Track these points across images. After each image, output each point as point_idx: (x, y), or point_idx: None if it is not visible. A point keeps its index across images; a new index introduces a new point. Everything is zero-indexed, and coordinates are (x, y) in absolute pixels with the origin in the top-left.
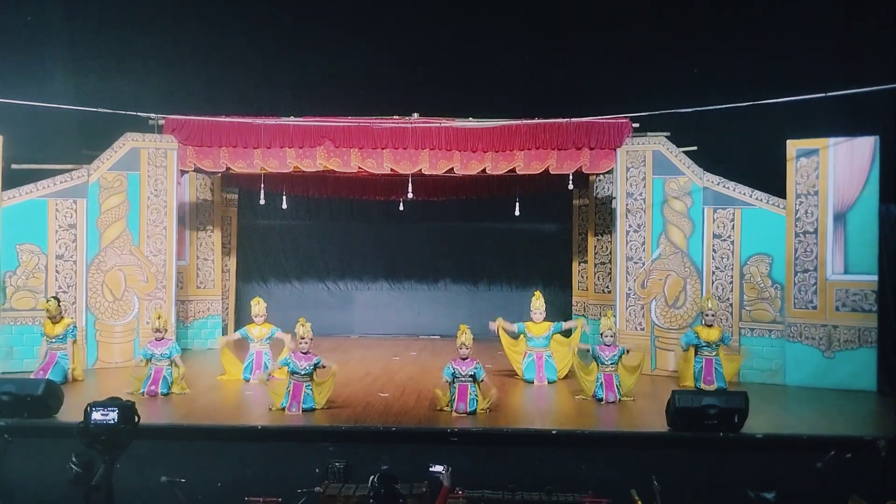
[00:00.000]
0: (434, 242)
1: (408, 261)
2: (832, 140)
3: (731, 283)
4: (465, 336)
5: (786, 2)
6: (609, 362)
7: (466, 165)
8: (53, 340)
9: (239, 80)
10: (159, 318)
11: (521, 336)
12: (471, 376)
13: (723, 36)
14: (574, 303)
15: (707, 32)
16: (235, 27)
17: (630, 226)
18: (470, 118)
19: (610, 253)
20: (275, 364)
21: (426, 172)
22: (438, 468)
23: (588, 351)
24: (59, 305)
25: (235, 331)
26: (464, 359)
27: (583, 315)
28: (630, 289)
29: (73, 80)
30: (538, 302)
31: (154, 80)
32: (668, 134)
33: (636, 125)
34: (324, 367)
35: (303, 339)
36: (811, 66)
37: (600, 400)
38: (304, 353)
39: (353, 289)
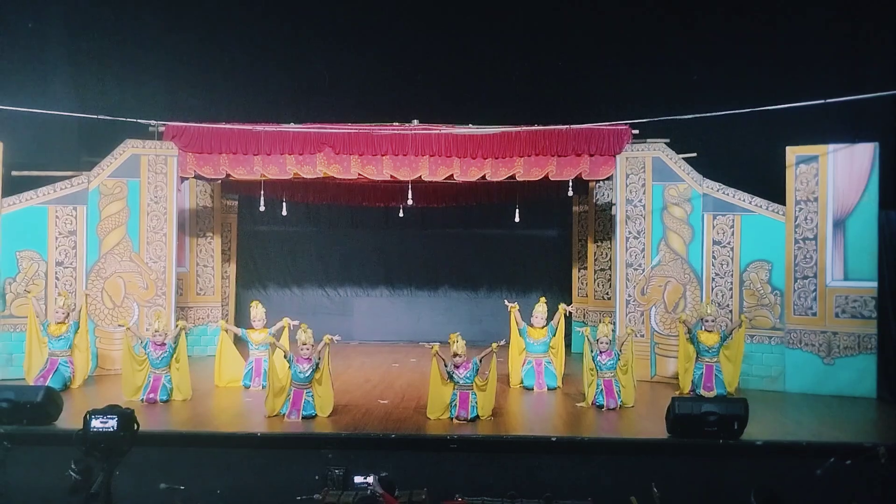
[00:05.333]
0: (434, 249)
1: (407, 267)
2: (832, 147)
3: (731, 289)
4: (457, 345)
5: (786, 9)
6: (607, 368)
7: (466, 172)
8: (57, 340)
9: (239, 87)
10: (159, 318)
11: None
12: (470, 380)
13: (722, 43)
14: (574, 309)
15: (707, 39)
16: (236, 34)
17: (630, 232)
18: (470, 125)
19: (610, 259)
20: (283, 345)
21: (426, 179)
22: (368, 479)
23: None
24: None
25: (239, 327)
26: (457, 366)
27: (582, 321)
28: (630, 295)
29: (73, 87)
30: (541, 307)
31: (154, 87)
32: (668, 140)
33: (636, 132)
34: (319, 358)
35: (304, 345)
36: (811, 73)
37: (601, 406)
38: (305, 358)
39: (352, 295)
